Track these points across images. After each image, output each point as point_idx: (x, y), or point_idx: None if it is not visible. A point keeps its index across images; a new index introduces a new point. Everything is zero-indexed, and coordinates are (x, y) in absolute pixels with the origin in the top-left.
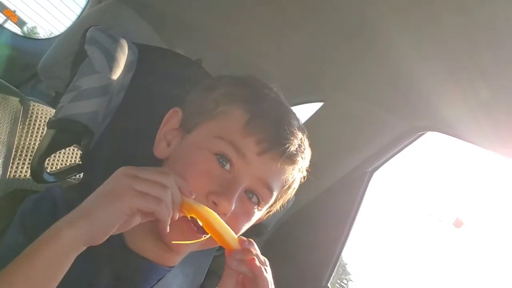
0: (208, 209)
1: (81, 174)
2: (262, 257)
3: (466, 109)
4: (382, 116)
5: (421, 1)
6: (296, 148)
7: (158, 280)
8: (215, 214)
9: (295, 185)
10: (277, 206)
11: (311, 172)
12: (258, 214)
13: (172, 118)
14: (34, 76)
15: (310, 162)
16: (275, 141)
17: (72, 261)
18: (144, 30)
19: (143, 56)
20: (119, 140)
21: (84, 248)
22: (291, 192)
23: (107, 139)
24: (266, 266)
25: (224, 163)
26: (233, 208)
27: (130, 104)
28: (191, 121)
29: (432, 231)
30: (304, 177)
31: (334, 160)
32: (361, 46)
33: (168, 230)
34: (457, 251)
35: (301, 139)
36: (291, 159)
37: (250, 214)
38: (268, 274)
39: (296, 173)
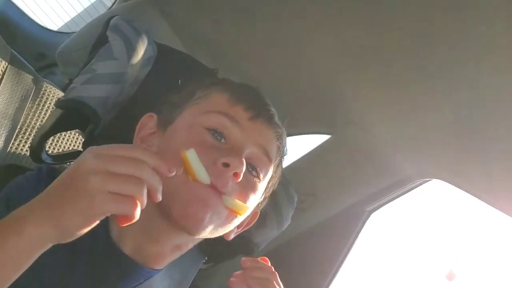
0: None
1: None
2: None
3: (473, 163)
4: (390, 156)
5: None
6: (278, 119)
7: (140, 283)
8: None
9: (279, 169)
10: (273, 185)
11: (309, 202)
12: (261, 189)
13: (148, 123)
14: (46, 67)
15: (308, 192)
16: (261, 107)
17: (37, 256)
18: (167, 34)
19: (162, 56)
20: (124, 132)
21: (51, 245)
22: (279, 173)
23: (113, 129)
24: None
25: (218, 137)
26: (244, 167)
27: (141, 99)
28: (169, 116)
29: (423, 282)
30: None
31: (334, 193)
32: (378, 83)
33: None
34: None
35: (277, 115)
36: (278, 126)
37: (254, 186)
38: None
39: (282, 147)
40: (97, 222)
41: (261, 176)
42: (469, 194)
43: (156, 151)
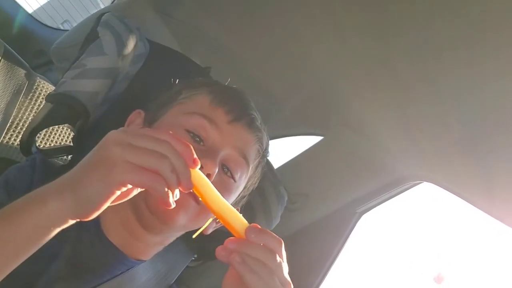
0: (214, 189)
1: (70, 157)
2: (274, 259)
3: (469, 168)
4: (382, 158)
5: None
6: (260, 123)
7: (122, 272)
8: (221, 197)
9: (260, 169)
10: (253, 184)
11: (301, 202)
12: (237, 189)
13: (135, 119)
14: (45, 64)
15: (301, 193)
16: (242, 111)
17: (55, 233)
18: (162, 33)
19: (154, 53)
20: (114, 128)
21: (73, 222)
22: (259, 174)
23: (102, 125)
24: (267, 265)
25: (197, 139)
26: (217, 169)
27: (131, 96)
28: (155, 114)
29: (412, 283)
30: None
31: (326, 194)
32: (376, 87)
33: (173, 205)
34: None
35: (260, 119)
36: (258, 129)
37: (228, 187)
38: (267, 277)
39: (262, 149)
40: (118, 193)
41: (236, 177)
42: (460, 199)
43: None
